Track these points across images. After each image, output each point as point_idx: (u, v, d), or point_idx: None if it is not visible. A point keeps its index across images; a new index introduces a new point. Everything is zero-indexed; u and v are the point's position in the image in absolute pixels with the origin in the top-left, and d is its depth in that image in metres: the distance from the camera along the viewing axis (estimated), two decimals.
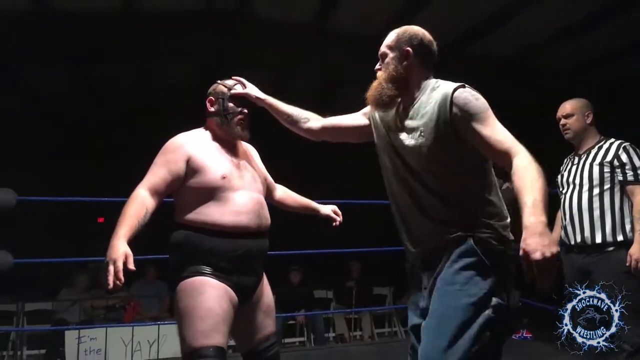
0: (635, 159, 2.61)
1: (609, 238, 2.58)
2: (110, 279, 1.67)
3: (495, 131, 1.48)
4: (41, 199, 3.79)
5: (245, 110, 2.01)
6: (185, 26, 5.14)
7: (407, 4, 4.91)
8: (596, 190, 2.64)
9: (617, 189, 2.62)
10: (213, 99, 2.03)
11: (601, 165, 2.64)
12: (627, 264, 2.47)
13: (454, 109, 1.52)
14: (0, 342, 5.28)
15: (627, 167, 2.59)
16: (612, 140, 2.71)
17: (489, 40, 5.57)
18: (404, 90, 1.65)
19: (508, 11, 5.00)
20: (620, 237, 2.57)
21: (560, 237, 2.80)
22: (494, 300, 1.48)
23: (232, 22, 5.21)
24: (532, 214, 1.31)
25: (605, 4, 4.89)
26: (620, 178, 2.60)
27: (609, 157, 2.64)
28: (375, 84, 1.68)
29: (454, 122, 1.52)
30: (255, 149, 2.23)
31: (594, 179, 2.65)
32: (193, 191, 1.88)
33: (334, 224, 2.34)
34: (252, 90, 2.02)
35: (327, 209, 2.35)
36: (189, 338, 1.77)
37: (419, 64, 1.66)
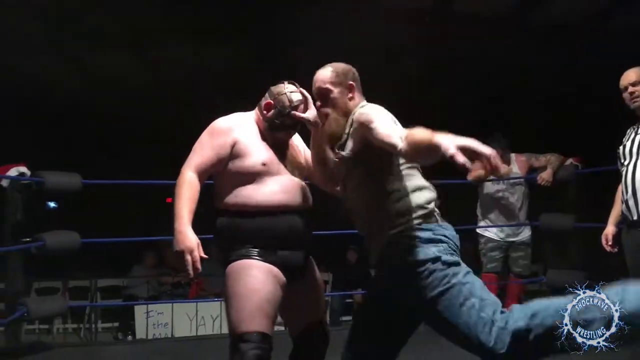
0: None
1: None
2: (190, 269, 1.74)
3: (384, 130, 1.62)
4: (105, 182, 3.98)
5: (294, 131, 2.02)
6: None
7: None
8: None
9: None
10: (272, 102, 1.96)
11: None
12: None
13: (356, 122, 1.73)
14: (77, 316, 5.68)
15: None
16: None
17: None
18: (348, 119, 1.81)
19: None
20: None
21: (622, 211, 2.68)
22: (442, 262, 1.61)
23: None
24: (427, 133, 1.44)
25: None
26: None
27: None
28: (329, 122, 1.82)
29: (356, 133, 1.73)
30: None
31: None
32: (233, 175, 1.89)
33: None
34: (312, 114, 1.95)
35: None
36: (234, 321, 1.78)
37: (358, 93, 1.86)
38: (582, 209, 4.02)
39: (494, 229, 3.99)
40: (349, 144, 1.75)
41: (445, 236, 1.67)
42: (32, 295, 5.35)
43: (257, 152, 1.91)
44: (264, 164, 1.89)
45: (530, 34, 5.81)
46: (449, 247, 1.65)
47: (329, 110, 1.82)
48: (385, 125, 1.64)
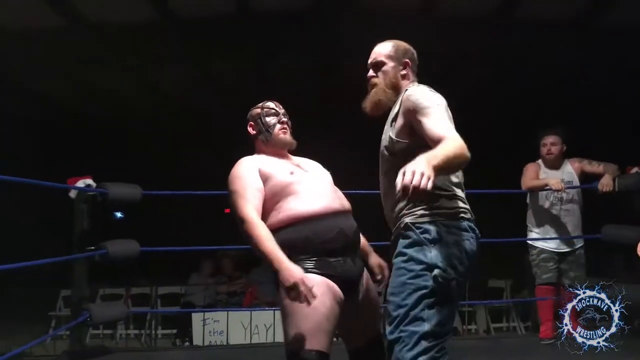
0: None
1: None
2: (309, 297, 1.73)
3: (435, 122, 1.65)
4: (164, 192, 4.14)
5: (284, 119, 2.13)
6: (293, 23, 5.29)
7: None
8: None
9: None
10: (252, 122, 2.16)
11: None
12: None
13: (403, 105, 1.76)
14: (139, 321, 5.89)
15: None
16: None
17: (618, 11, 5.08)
18: (398, 96, 1.84)
19: None
20: None
21: None
22: (436, 271, 1.64)
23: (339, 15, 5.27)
24: (425, 156, 1.48)
25: None
26: None
27: None
28: (376, 90, 1.88)
29: (403, 114, 1.76)
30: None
31: None
32: (269, 197, 1.94)
33: (378, 278, 2.14)
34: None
35: (375, 260, 2.14)
36: (292, 338, 1.78)
37: (411, 73, 1.92)
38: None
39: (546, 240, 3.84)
40: (399, 121, 1.78)
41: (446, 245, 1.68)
42: (97, 301, 5.60)
43: (281, 168, 2.00)
44: (291, 172, 1.98)
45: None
46: (446, 259, 1.67)
47: (377, 80, 1.90)
48: (440, 120, 1.67)
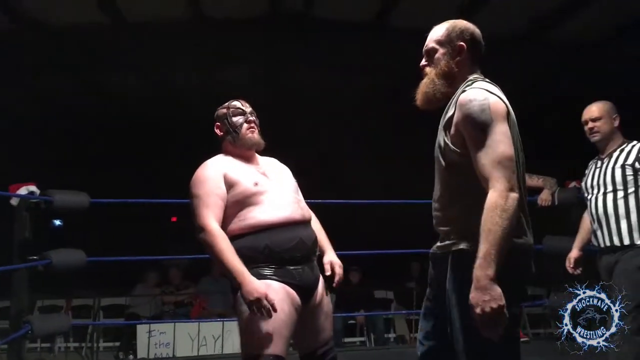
0: None
1: (637, 241, 2.55)
2: (269, 311, 1.75)
3: (483, 153, 1.43)
4: (112, 201, 4.01)
5: (251, 118, 2.09)
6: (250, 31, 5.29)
7: None
8: (620, 194, 2.62)
9: None
10: (219, 123, 2.11)
11: (623, 167, 2.61)
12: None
13: (457, 112, 1.50)
14: (79, 334, 5.66)
15: None
16: (635, 142, 2.67)
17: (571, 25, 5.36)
18: (455, 87, 1.59)
19: None
20: None
21: (591, 240, 2.81)
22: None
23: (295, 26, 5.31)
24: (480, 267, 1.36)
25: None
26: None
27: (630, 160, 2.61)
28: (425, 80, 1.63)
29: (456, 124, 1.50)
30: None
31: (617, 182, 2.62)
32: (231, 204, 1.93)
33: (329, 275, 2.11)
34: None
35: (329, 258, 2.10)
36: (249, 344, 1.80)
37: (470, 59, 1.62)
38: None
39: None
40: (453, 128, 1.52)
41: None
42: (35, 313, 5.35)
43: (246, 176, 1.97)
44: (255, 184, 1.95)
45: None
46: None
47: (429, 69, 1.65)
48: (490, 150, 1.43)
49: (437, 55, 1.62)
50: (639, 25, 5.16)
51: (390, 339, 5.82)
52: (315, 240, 2.02)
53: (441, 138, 1.55)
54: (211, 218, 1.89)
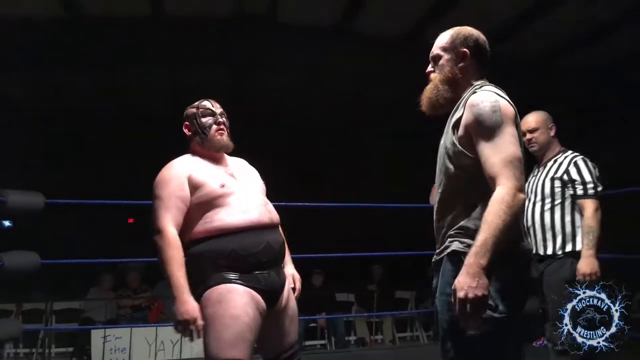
0: (584, 173, 2.63)
1: (559, 251, 2.63)
2: (195, 337, 1.77)
3: (493, 152, 1.45)
4: (69, 201, 3.87)
5: (221, 119, 2.04)
6: (213, 31, 5.23)
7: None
8: (548, 205, 2.69)
9: (567, 202, 2.65)
10: (187, 122, 2.05)
11: (552, 180, 2.69)
12: (577, 279, 2.48)
13: (467, 112, 1.51)
14: (30, 339, 5.43)
15: (576, 182, 2.63)
16: (568, 153, 2.74)
17: (518, 41, 5.51)
18: (459, 93, 1.62)
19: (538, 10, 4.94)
20: (568, 248, 2.62)
21: None
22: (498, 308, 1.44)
23: (257, 28, 5.28)
24: (474, 254, 1.37)
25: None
26: (571, 192, 2.65)
27: (559, 173, 2.68)
28: (430, 86, 1.65)
29: (465, 125, 1.51)
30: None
31: (545, 193, 2.70)
32: (197, 206, 1.89)
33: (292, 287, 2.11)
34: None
35: (290, 272, 2.10)
36: (213, 347, 1.77)
37: (474, 65, 1.63)
38: None
39: None
40: (462, 130, 1.53)
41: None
42: None
43: (213, 177, 1.93)
44: (222, 185, 1.91)
45: None
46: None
47: (434, 75, 1.66)
48: (498, 151, 1.45)
49: (441, 62, 1.64)
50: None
51: (350, 342, 5.83)
52: (282, 244, 2.00)
53: (448, 139, 1.56)
54: (169, 222, 1.84)
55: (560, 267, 2.58)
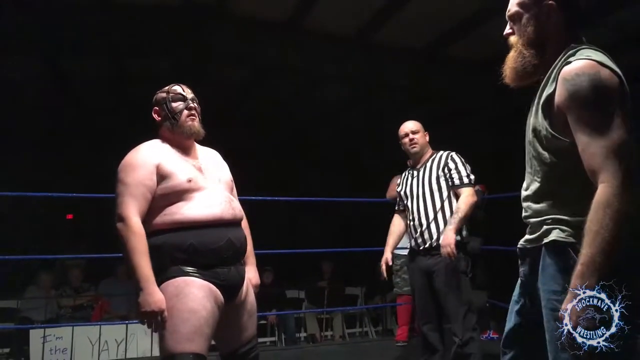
0: (459, 165, 2.92)
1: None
2: (160, 329, 1.73)
3: (593, 139, 1.19)
4: (3, 194, 3.68)
5: (192, 105, 1.97)
6: (161, 21, 5.08)
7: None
8: (437, 198, 2.91)
9: (452, 194, 2.90)
10: (157, 107, 1.98)
11: (438, 176, 2.93)
12: (442, 255, 2.72)
13: (560, 88, 1.26)
14: None
15: (453, 172, 2.90)
16: (441, 152, 3.01)
17: (467, 43, 5.63)
18: (546, 57, 1.35)
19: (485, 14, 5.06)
20: (457, 238, 2.78)
21: (410, 245, 3.04)
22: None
23: (208, 18, 5.17)
24: (580, 275, 1.17)
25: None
26: (450, 183, 2.90)
27: (440, 167, 2.93)
28: (512, 54, 1.39)
29: (558, 103, 1.26)
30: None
31: (433, 188, 2.92)
32: (160, 197, 1.83)
33: None
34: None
35: (249, 275, 2.05)
36: (170, 341, 1.72)
37: (565, 20, 1.35)
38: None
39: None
40: (555, 108, 1.28)
41: None
42: None
43: (181, 170, 1.87)
44: (189, 180, 1.85)
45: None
46: None
47: (514, 38, 1.40)
48: (601, 136, 1.19)
49: (522, 21, 1.37)
50: None
51: (300, 338, 5.83)
52: (244, 241, 1.97)
53: (538, 121, 1.32)
54: (134, 210, 1.77)
55: (457, 262, 2.77)
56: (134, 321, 4.73)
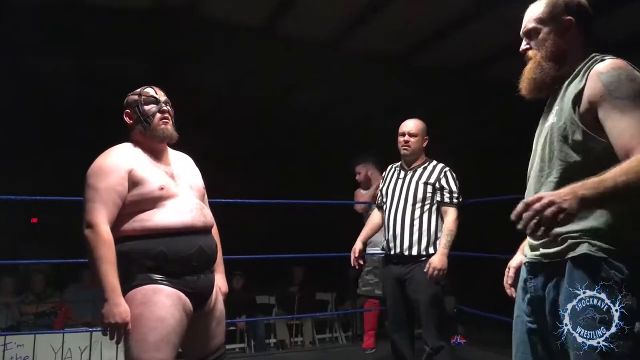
0: (452, 183, 2.90)
1: (423, 252, 2.84)
2: (120, 341, 1.70)
3: (630, 123, 1.22)
4: None
5: (165, 108, 1.93)
6: (132, 23, 5.01)
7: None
8: (418, 207, 2.89)
9: (434, 207, 2.90)
10: (129, 110, 1.94)
11: (425, 184, 2.90)
12: (425, 270, 2.73)
13: (595, 82, 1.28)
14: None
15: (445, 190, 2.88)
16: (435, 163, 2.98)
17: (440, 50, 5.71)
18: (567, 68, 1.39)
19: (460, 22, 5.14)
20: (431, 250, 2.83)
21: (383, 247, 3.04)
22: (638, 325, 1.20)
23: (180, 22, 5.12)
24: (581, 186, 1.15)
25: None
26: (439, 199, 2.88)
27: (432, 179, 2.91)
28: (531, 65, 1.43)
29: (590, 97, 1.29)
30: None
31: (417, 197, 2.90)
32: (131, 203, 1.80)
33: None
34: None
35: (218, 284, 2.03)
36: (136, 350, 1.70)
37: (582, 34, 1.41)
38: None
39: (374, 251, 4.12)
40: (585, 104, 1.29)
41: None
42: None
43: (153, 177, 1.83)
44: (161, 188, 1.82)
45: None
46: None
47: (532, 52, 1.44)
48: (636, 121, 1.21)
49: (541, 36, 1.42)
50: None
51: (270, 345, 5.79)
52: (215, 249, 1.94)
53: (564, 118, 1.33)
54: (104, 218, 1.73)
55: (424, 269, 2.75)
56: (99, 328, 4.65)
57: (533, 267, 1.39)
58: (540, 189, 1.37)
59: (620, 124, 1.22)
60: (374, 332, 4.21)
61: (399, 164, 3.05)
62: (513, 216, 1.13)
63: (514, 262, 1.59)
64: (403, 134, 2.95)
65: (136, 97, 1.93)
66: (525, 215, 1.11)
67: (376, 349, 4.10)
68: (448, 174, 2.91)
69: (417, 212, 2.86)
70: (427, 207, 2.87)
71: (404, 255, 2.84)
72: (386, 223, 2.95)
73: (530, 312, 1.40)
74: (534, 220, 1.10)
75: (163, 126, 1.90)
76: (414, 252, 2.82)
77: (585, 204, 1.12)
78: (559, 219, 1.10)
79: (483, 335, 4.50)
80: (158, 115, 1.90)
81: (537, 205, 1.10)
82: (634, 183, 1.12)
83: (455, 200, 2.87)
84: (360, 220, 4.36)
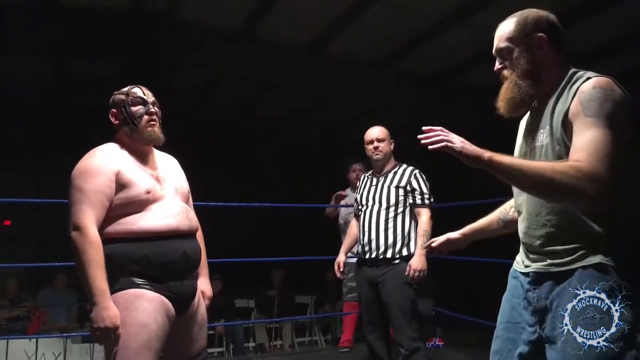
0: (422, 185, 2.95)
1: (397, 254, 2.88)
2: (115, 345, 1.66)
3: (586, 137, 1.24)
4: None
5: (153, 109, 1.89)
6: (111, 25, 4.96)
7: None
8: (392, 211, 2.94)
9: (407, 210, 2.95)
10: (115, 110, 1.89)
11: (397, 188, 2.95)
12: (406, 274, 2.76)
13: (574, 102, 1.30)
14: None
15: (416, 192, 2.93)
16: (405, 166, 3.04)
17: (418, 57, 5.77)
18: (542, 85, 1.41)
19: (436, 30, 5.20)
20: (405, 252, 2.88)
21: (357, 251, 3.07)
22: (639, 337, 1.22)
23: (159, 24, 5.09)
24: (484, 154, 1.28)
25: None
26: (411, 201, 2.93)
27: (403, 182, 2.96)
28: (507, 85, 1.43)
29: (569, 118, 1.30)
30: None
31: (390, 200, 2.95)
32: (117, 206, 1.76)
33: None
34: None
35: (202, 288, 2.00)
36: (117, 356, 1.67)
37: (554, 50, 1.41)
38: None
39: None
40: (569, 122, 1.31)
41: None
42: None
43: (140, 180, 1.80)
44: (148, 192, 1.79)
45: None
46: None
47: (506, 72, 1.44)
48: (598, 141, 1.22)
49: (514, 55, 1.42)
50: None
51: (249, 348, 5.76)
52: (199, 253, 1.92)
53: (557, 138, 1.33)
54: (92, 220, 1.69)
55: (402, 272, 2.79)
56: (73, 334, 4.57)
57: (538, 276, 1.39)
58: (541, 209, 1.38)
59: (580, 139, 1.25)
60: (352, 333, 4.22)
61: (370, 172, 3.12)
62: (424, 128, 1.32)
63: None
64: (371, 141, 3.01)
65: (123, 97, 1.88)
66: (430, 133, 1.30)
67: (353, 349, 4.11)
68: (418, 175, 2.96)
69: (391, 215, 2.91)
70: (400, 210, 2.91)
71: (378, 259, 2.87)
72: (361, 228, 2.99)
73: (534, 323, 1.39)
74: (433, 139, 1.29)
75: (150, 129, 1.87)
76: (389, 254, 2.86)
77: (485, 165, 1.26)
78: (442, 147, 1.28)
79: (461, 337, 4.54)
80: (145, 117, 1.86)
81: (441, 133, 1.31)
82: (546, 175, 1.21)
83: (427, 201, 2.93)
84: (336, 222, 4.37)
